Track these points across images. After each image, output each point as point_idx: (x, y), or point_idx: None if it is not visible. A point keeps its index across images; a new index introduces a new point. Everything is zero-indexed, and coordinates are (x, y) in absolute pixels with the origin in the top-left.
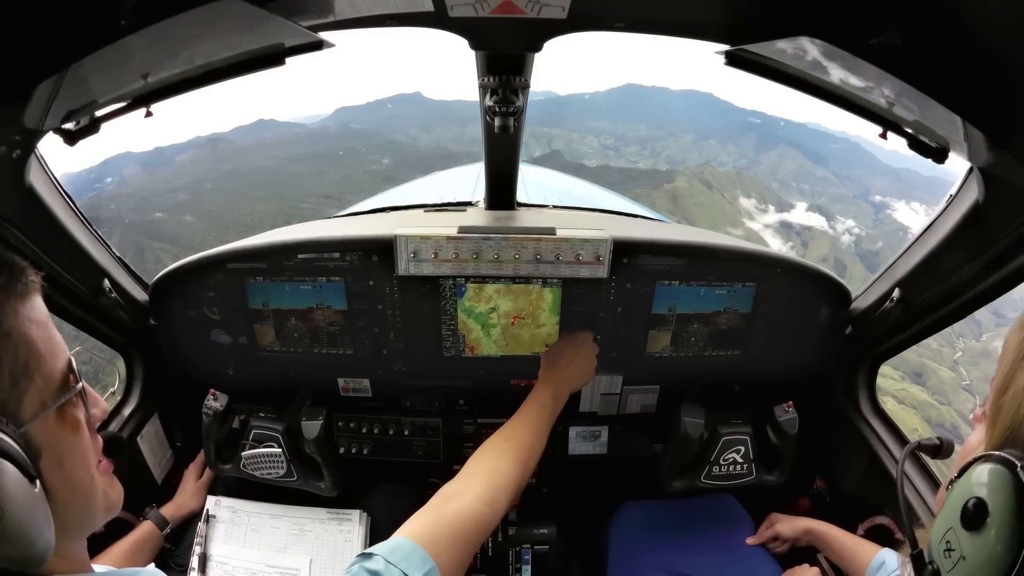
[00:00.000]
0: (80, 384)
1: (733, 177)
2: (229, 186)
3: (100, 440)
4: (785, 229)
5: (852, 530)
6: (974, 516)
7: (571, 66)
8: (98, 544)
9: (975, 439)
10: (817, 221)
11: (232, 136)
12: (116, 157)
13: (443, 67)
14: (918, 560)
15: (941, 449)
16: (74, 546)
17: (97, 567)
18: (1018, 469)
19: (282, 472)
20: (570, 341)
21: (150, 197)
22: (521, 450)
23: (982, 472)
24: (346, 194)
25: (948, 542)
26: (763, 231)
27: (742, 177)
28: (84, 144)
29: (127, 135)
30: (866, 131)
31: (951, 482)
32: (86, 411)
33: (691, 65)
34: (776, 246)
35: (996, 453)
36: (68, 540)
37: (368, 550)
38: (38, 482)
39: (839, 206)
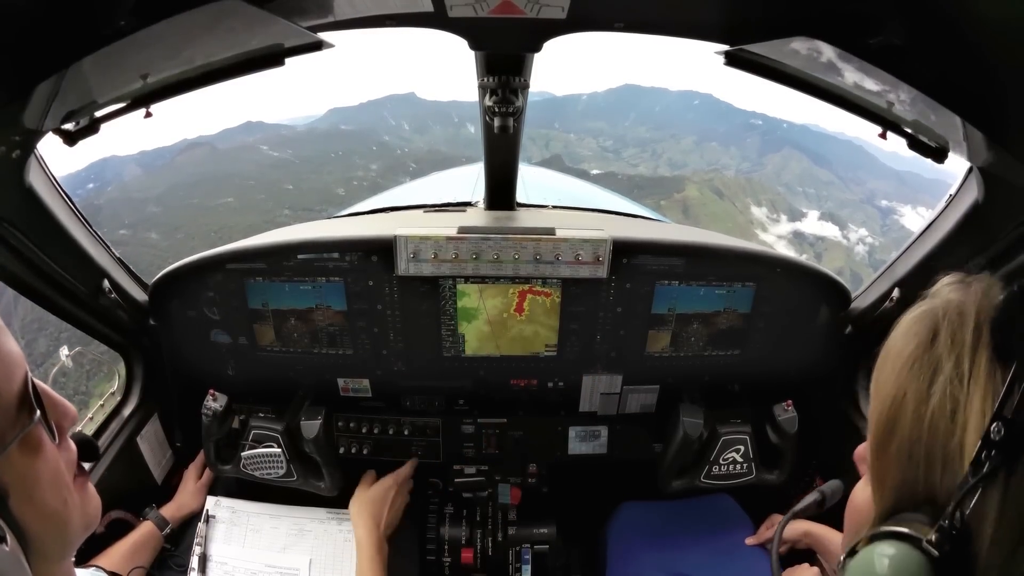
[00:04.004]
0: (38, 415)
1: (743, 184)
2: (204, 197)
3: (72, 448)
4: (798, 240)
5: None
6: None
7: (568, 66)
8: (98, 544)
9: (863, 494)
10: (830, 230)
11: (218, 140)
12: (101, 161)
13: (438, 67)
14: None
15: (824, 501)
16: (58, 570)
17: (83, 572)
18: (924, 544)
19: (282, 472)
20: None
21: (121, 209)
22: None
23: (882, 559)
24: (328, 206)
25: None
26: (776, 242)
27: (752, 184)
28: (74, 147)
29: (116, 136)
30: (865, 132)
31: (841, 561)
32: (49, 431)
33: (690, 65)
34: None
35: (893, 529)
36: (49, 566)
37: None
38: (9, 538)
39: (847, 211)
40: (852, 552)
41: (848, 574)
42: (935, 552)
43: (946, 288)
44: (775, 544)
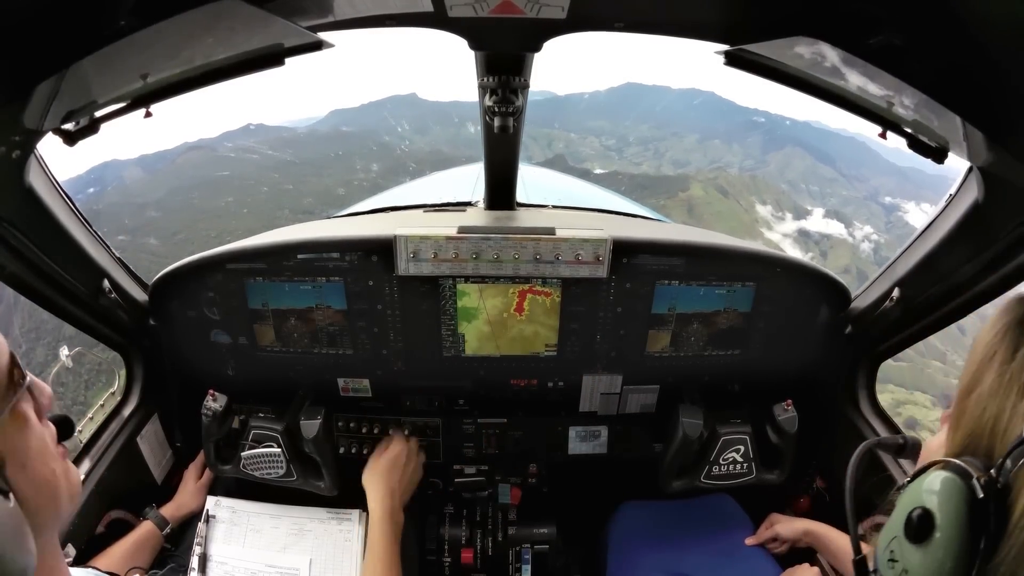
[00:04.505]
0: (28, 379)
1: (747, 182)
2: (202, 201)
3: (51, 426)
4: (804, 238)
5: None
6: (918, 528)
7: (570, 65)
8: (98, 544)
9: (936, 442)
10: (835, 228)
11: (218, 143)
12: (102, 165)
13: (440, 67)
14: (860, 567)
15: (905, 448)
16: (47, 549)
17: (78, 571)
18: (973, 481)
19: (282, 472)
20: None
21: (120, 213)
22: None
23: (934, 480)
24: (328, 207)
25: (892, 551)
26: (782, 241)
27: (756, 182)
28: (72, 151)
29: (117, 140)
30: (867, 128)
31: (902, 486)
32: (35, 403)
33: (692, 63)
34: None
35: (952, 460)
36: (40, 538)
37: None
38: (11, 495)
39: (851, 208)
40: (914, 477)
41: (902, 497)
42: (980, 492)
43: None
44: (850, 477)
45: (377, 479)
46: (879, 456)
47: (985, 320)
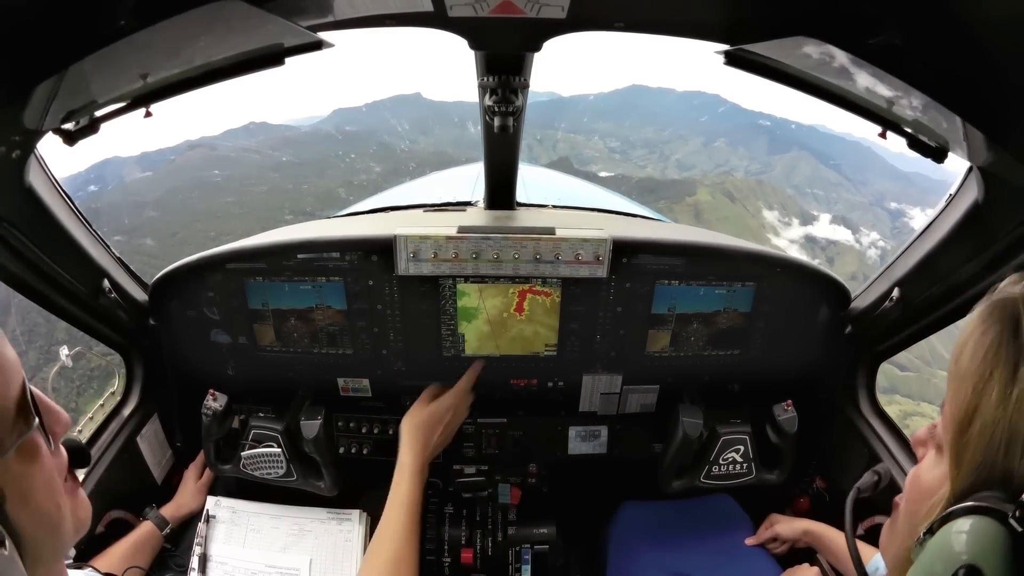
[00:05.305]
0: (36, 422)
1: (754, 186)
2: (202, 201)
3: (64, 455)
4: (810, 244)
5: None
6: None
7: (575, 66)
8: (98, 544)
9: (931, 475)
10: (842, 234)
11: (220, 141)
12: (103, 163)
13: (444, 67)
14: None
15: (880, 480)
16: (50, 573)
17: (77, 573)
18: (1010, 520)
19: (281, 472)
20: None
21: (118, 214)
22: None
23: (965, 528)
24: (328, 209)
25: None
26: (789, 247)
27: (762, 186)
28: (72, 149)
29: (118, 137)
30: (872, 132)
31: (921, 540)
32: (46, 437)
33: (696, 65)
34: None
35: (976, 504)
36: (41, 569)
37: None
38: (8, 542)
39: (857, 214)
40: (931, 530)
41: (928, 550)
42: (1019, 527)
43: (1017, 285)
44: (849, 513)
45: (416, 431)
46: (879, 458)
47: None
